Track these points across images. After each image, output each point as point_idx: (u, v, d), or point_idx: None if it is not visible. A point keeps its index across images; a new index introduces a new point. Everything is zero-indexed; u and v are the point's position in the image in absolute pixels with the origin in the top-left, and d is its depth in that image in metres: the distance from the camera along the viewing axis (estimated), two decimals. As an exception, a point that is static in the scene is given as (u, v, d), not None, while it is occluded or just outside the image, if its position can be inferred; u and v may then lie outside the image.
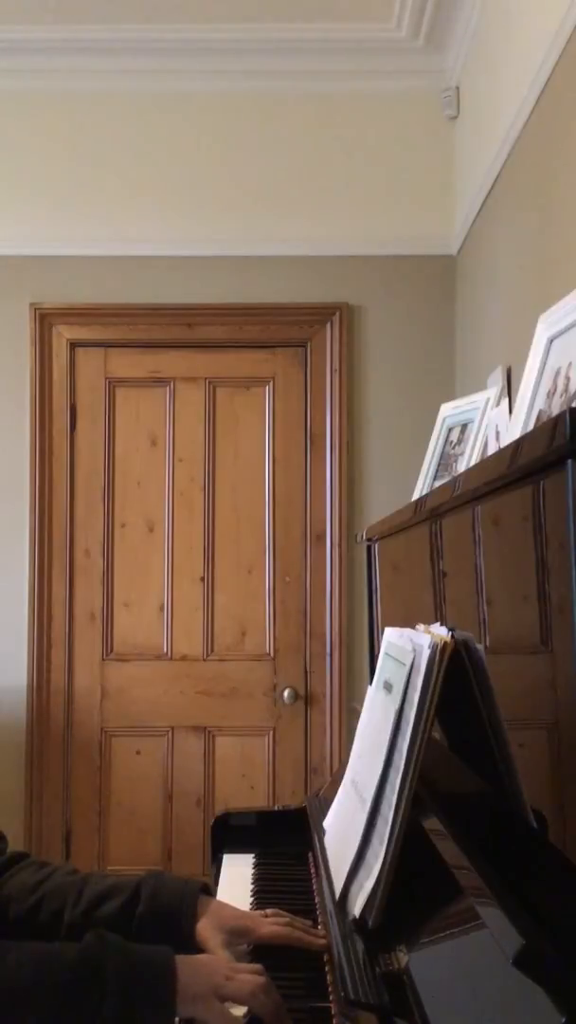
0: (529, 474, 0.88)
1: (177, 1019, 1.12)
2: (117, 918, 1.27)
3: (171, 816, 3.46)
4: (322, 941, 1.25)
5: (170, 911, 1.28)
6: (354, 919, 1.09)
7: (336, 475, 3.44)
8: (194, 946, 1.26)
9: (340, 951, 1.06)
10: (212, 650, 3.47)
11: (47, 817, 3.42)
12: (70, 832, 3.45)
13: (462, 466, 2.03)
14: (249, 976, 1.12)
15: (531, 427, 1.39)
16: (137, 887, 1.30)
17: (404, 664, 1.13)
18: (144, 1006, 1.09)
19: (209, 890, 1.34)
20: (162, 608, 3.48)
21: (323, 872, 1.30)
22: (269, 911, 1.33)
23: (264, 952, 1.29)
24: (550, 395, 1.38)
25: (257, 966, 1.16)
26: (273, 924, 1.29)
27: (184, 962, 1.14)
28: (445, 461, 2.17)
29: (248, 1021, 1.10)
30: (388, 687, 1.19)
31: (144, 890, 1.30)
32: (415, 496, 2.18)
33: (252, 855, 1.74)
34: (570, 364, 1.34)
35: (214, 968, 1.14)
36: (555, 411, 1.33)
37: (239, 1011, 1.12)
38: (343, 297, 3.46)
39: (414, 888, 1.06)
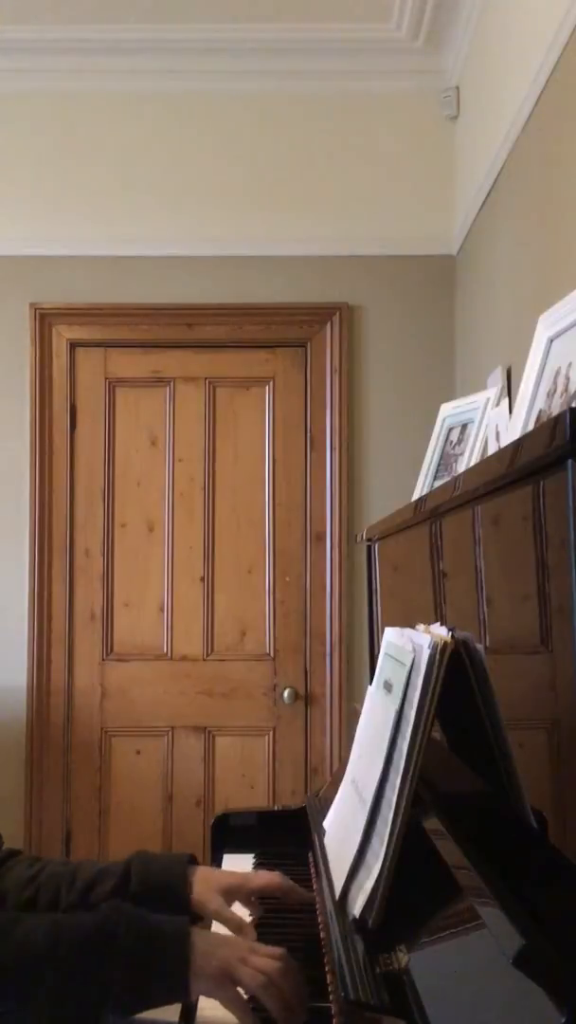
0: (529, 474, 0.88)
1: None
2: (111, 899, 1.29)
3: (171, 816, 3.45)
4: (311, 895, 1.33)
5: (163, 885, 1.31)
6: (354, 919, 1.09)
7: (336, 475, 3.44)
8: (191, 915, 1.30)
9: (340, 951, 1.06)
10: (212, 650, 3.47)
11: (47, 817, 3.42)
12: (70, 832, 3.45)
13: (462, 466, 2.03)
14: (265, 961, 1.12)
15: (531, 427, 1.39)
16: (127, 868, 1.34)
17: (404, 664, 1.13)
18: (156, 977, 1.09)
19: (196, 861, 1.38)
20: (162, 608, 3.48)
21: (323, 872, 1.30)
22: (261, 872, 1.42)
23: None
24: (550, 395, 1.39)
25: (278, 950, 1.15)
26: (265, 874, 1.37)
27: (202, 938, 1.14)
28: (445, 461, 2.17)
29: (254, 1008, 1.10)
30: (388, 687, 1.19)
31: (134, 869, 1.33)
32: (415, 496, 2.18)
33: (252, 855, 1.75)
34: (570, 364, 1.34)
35: (232, 948, 1.14)
36: (555, 411, 1.33)
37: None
38: (343, 297, 3.46)
39: (414, 888, 1.06)
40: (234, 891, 1.33)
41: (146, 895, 1.29)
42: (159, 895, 1.29)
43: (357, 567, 3.34)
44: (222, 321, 3.47)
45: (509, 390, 2.41)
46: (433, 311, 3.45)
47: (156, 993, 1.09)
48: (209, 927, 1.34)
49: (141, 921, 1.13)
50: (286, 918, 1.38)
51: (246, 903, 1.39)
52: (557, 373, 1.38)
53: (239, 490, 3.49)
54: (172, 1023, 1.18)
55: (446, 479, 1.93)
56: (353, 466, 3.45)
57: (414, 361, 3.45)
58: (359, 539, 2.57)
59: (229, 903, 1.32)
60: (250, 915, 1.39)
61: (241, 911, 1.38)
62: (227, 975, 1.10)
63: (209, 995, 1.12)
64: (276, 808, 2.41)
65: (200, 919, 1.31)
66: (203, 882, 1.31)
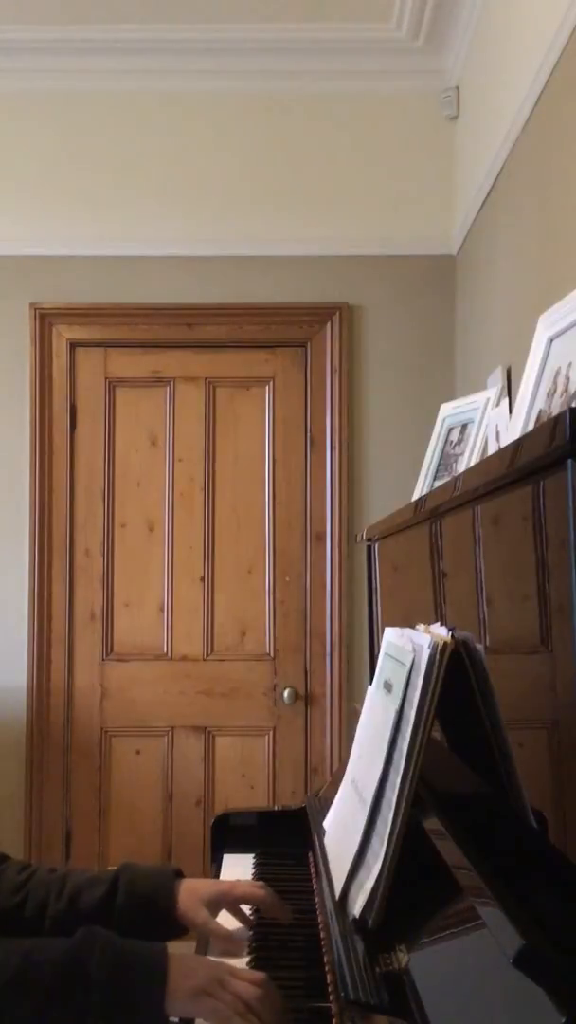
0: (529, 474, 0.88)
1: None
2: (98, 908, 1.31)
3: (171, 816, 3.45)
4: (288, 917, 1.34)
5: (149, 897, 1.32)
6: (354, 919, 1.09)
7: (336, 475, 3.44)
8: (177, 926, 1.32)
9: (340, 951, 1.06)
10: (212, 650, 3.47)
11: (47, 817, 3.42)
12: (70, 832, 3.44)
13: (462, 466, 2.03)
14: (244, 986, 1.11)
15: (531, 427, 1.39)
16: (115, 878, 1.35)
17: (404, 664, 1.13)
18: (131, 1003, 1.09)
19: (182, 874, 1.40)
20: (162, 608, 3.48)
21: (323, 872, 1.30)
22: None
23: (263, 953, 1.30)
24: (550, 395, 1.39)
25: (259, 974, 1.15)
26: (248, 883, 1.38)
27: (179, 961, 1.14)
28: (445, 461, 2.17)
29: None
30: (388, 687, 1.19)
31: (122, 880, 1.34)
32: (415, 496, 2.18)
33: (252, 855, 1.75)
34: (570, 364, 1.34)
35: (210, 970, 1.14)
36: (555, 411, 1.33)
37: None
38: (343, 297, 3.46)
39: (414, 888, 1.06)
40: (218, 901, 1.35)
41: (133, 907, 1.31)
42: (145, 907, 1.31)
43: (357, 567, 3.34)
44: (222, 321, 3.47)
45: (509, 390, 2.41)
46: (433, 311, 3.45)
47: (132, 1017, 1.09)
48: (206, 940, 1.34)
49: (113, 946, 1.13)
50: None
51: (233, 912, 1.38)
52: (557, 373, 1.38)
53: (239, 490, 3.49)
54: (172, 1022, 1.18)
55: (446, 479, 1.93)
56: (353, 466, 3.45)
57: (414, 361, 3.45)
58: (359, 539, 2.57)
59: (215, 913, 1.33)
60: (244, 925, 1.38)
61: (230, 920, 1.37)
62: (205, 996, 1.10)
63: (189, 1015, 1.12)
64: (276, 808, 2.41)
65: (187, 931, 1.33)
66: (188, 894, 1.33)
